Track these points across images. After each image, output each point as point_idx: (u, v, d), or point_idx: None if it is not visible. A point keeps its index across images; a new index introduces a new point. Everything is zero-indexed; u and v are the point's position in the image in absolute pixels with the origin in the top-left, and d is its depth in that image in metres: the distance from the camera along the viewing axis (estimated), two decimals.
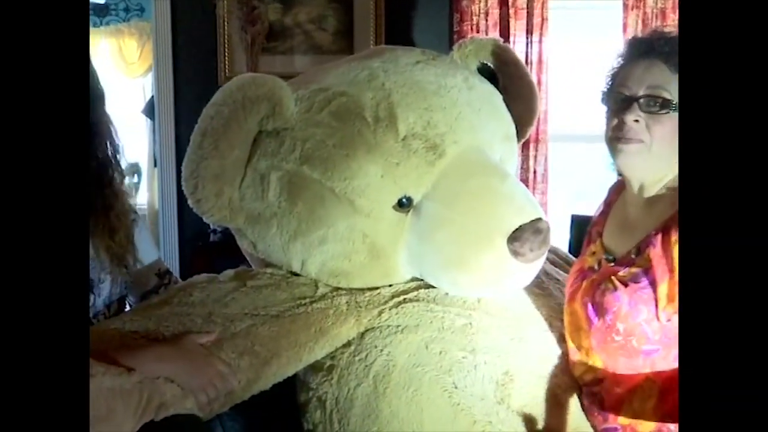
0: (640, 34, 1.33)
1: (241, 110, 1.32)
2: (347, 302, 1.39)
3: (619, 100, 1.28)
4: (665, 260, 1.21)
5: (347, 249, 1.37)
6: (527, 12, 3.13)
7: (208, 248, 3.40)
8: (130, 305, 1.54)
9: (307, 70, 1.32)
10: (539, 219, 1.32)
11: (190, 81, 3.36)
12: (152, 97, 3.85)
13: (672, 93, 1.22)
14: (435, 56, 1.54)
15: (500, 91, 1.56)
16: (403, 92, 1.38)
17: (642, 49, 1.28)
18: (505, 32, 3.14)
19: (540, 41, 3.10)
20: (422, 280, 1.43)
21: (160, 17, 3.35)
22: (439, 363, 1.31)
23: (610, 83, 1.34)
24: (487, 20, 3.17)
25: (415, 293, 1.40)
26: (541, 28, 3.13)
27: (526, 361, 1.35)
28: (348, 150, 1.33)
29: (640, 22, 3.01)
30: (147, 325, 1.29)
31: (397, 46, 1.58)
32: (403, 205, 1.36)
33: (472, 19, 3.17)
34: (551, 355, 1.39)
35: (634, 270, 1.26)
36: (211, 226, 3.19)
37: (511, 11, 3.14)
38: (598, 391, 1.33)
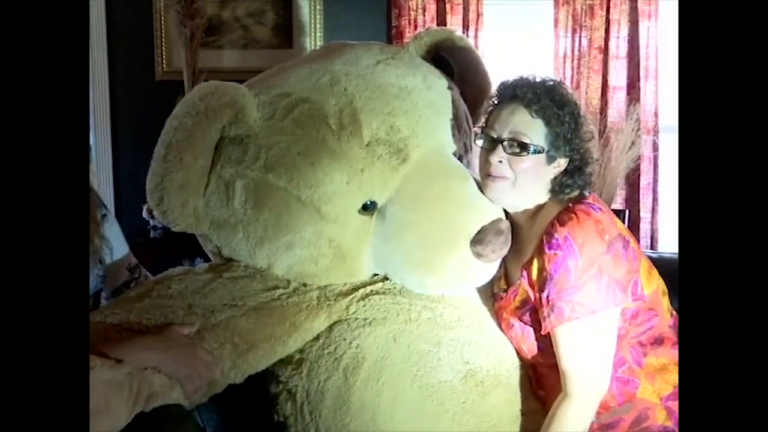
0: (508, 80, 1.43)
1: (205, 120, 1.33)
2: (318, 297, 1.43)
3: (487, 141, 1.40)
4: (532, 290, 1.39)
5: (314, 253, 1.41)
6: (463, 7, 3.21)
7: (148, 245, 3.34)
8: (105, 299, 1.54)
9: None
10: (500, 219, 1.40)
11: (127, 75, 3.29)
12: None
13: (530, 137, 1.36)
14: (394, 54, 1.56)
15: (455, 80, 1.59)
16: (365, 97, 1.41)
17: (508, 95, 1.40)
18: (442, 27, 3.21)
19: (476, 36, 3.18)
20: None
21: (93, 11, 3.26)
22: (407, 355, 1.37)
23: (483, 124, 1.45)
24: (424, 15, 3.22)
25: (381, 285, 1.45)
26: (477, 23, 3.21)
27: (489, 349, 1.43)
28: (313, 158, 1.36)
29: (570, 17, 3.13)
30: (129, 317, 1.30)
31: (356, 42, 1.60)
32: (368, 208, 1.40)
33: (409, 14, 3.22)
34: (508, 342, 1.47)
35: (518, 301, 1.43)
36: (151, 223, 3.15)
37: (448, 6, 3.21)
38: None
